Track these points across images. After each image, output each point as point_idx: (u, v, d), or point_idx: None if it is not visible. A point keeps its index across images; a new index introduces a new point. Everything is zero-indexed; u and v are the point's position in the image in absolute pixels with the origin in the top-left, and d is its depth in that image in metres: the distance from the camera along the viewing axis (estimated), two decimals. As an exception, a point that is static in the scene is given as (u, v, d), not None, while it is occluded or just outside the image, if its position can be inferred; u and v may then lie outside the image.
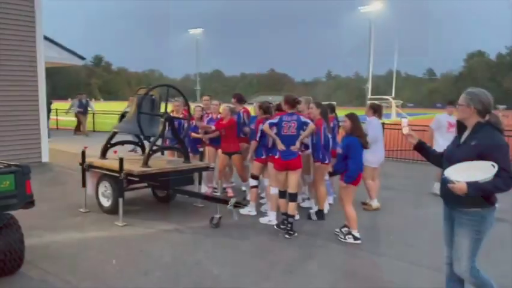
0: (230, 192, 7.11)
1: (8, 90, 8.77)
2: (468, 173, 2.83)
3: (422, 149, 3.40)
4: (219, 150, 7.00)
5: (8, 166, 3.88)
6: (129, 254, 4.69)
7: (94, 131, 18.19)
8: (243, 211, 6.07)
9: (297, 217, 5.78)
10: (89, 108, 17.14)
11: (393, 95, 45.77)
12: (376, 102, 6.43)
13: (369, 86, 44.76)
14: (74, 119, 17.64)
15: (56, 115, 20.05)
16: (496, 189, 2.81)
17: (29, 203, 3.83)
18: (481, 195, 2.87)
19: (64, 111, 19.87)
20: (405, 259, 4.67)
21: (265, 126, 5.44)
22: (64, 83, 71.90)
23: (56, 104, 19.37)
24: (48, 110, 14.69)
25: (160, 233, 5.39)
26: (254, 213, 6.17)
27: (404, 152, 11.08)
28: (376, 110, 6.71)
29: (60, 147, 11.83)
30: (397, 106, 41.31)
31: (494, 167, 2.75)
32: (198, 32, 68.00)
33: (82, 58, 12.54)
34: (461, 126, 3.13)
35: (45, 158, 9.46)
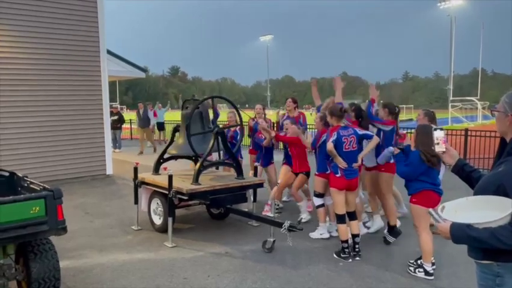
0: (267, 210, 6.59)
1: (75, 104, 9.01)
2: (474, 213, 1.92)
3: (463, 171, 2.29)
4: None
5: (43, 188, 3.70)
6: (171, 282, 4.33)
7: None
8: (314, 235, 5.59)
9: (363, 230, 5.45)
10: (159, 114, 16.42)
11: (478, 95, 42.07)
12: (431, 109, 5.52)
13: (451, 86, 41.38)
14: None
15: (130, 125, 20.86)
16: (497, 241, 1.80)
17: (61, 229, 3.58)
18: (474, 245, 1.96)
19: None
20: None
21: (329, 146, 4.78)
22: (143, 94, 76.62)
23: (133, 114, 19.90)
24: (119, 121, 15.19)
25: (209, 257, 4.99)
26: (327, 235, 5.57)
27: (490, 160, 9.69)
28: (433, 119, 5.81)
29: (128, 159, 12.08)
30: (483, 108, 37.79)
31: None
32: (268, 39, 68.16)
33: (144, 71, 12.91)
34: (503, 143, 2.12)
35: (109, 171, 9.60)
